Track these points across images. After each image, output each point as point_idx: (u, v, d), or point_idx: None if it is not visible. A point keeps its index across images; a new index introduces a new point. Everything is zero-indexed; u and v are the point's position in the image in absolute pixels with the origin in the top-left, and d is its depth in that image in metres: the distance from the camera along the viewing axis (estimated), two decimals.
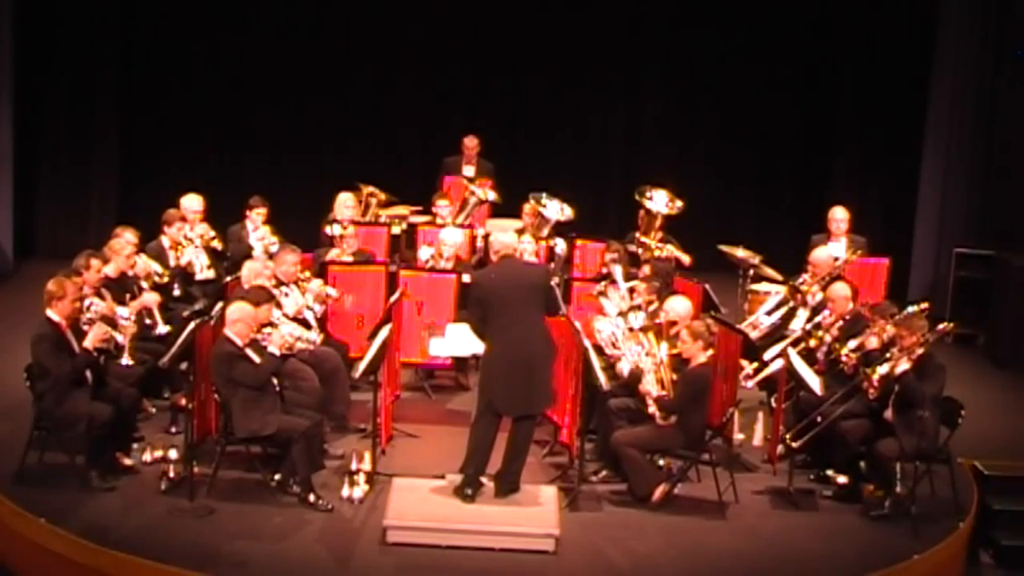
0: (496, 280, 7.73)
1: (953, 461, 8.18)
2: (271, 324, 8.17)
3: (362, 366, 8.03)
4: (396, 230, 11.32)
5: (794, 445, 8.04)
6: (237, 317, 7.79)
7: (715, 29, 13.94)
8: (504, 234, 8.16)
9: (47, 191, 13.72)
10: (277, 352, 7.87)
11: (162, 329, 8.96)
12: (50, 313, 7.77)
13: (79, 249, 8.95)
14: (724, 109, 14.14)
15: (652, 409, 7.97)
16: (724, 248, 10.83)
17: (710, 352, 7.99)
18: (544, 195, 10.99)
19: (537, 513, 7.52)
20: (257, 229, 10.41)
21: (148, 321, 8.91)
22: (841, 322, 8.68)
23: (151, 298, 9.04)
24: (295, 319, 8.76)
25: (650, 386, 7.99)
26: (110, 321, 8.21)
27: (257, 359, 7.78)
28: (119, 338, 8.20)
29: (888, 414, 7.91)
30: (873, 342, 8.18)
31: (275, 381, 7.90)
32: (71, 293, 7.82)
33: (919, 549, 7.46)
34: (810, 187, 13.71)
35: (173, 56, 13.66)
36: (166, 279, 9.54)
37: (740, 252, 10.70)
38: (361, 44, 13.88)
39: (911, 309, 8.15)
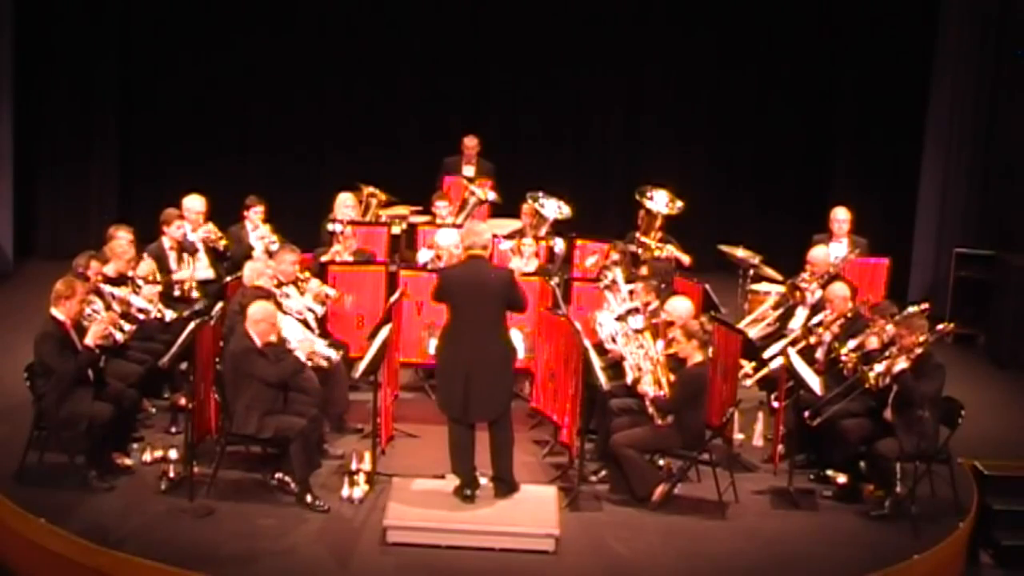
0: (456, 280, 7.70)
1: (953, 461, 8.18)
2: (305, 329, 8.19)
3: (362, 366, 8.03)
4: (396, 230, 11.31)
5: (813, 423, 7.99)
6: (261, 317, 7.81)
7: (715, 29, 13.92)
8: (476, 231, 7.85)
9: (47, 191, 13.70)
10: (303, 357, 7.89)
11: (169, 314, 8.99)
12: (55, 312, 7.77)
13: (79, 249, 8.96)
14: (724, 109, 14.12)
15: (651, 410, 7.97)
16: (724, 248, 10.85)
17: (708, 351, 7.98)
18: (541, 194, 10.99)
19: (537, 513, 7.51)
20: (257, 228, 10.40)
21: (156, 313, 8.92)
22: (842, 320, 8.68)
23: (150, 290, 9.06)
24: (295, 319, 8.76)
25: (647, 387, 7.98)
26: (115, 323, 8.22)
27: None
28: (118, 336, 8.20)
29: (888, 414, 7.92)
30: (873, 342, 8.19)
31: None
32: (80, 294, 7.84)
33: (919, 549, 7.46)
34: (810, 187, 13.68)
35: (173, 55, 13.65)
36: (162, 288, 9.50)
37: (740, 252, 10.71)
38: (362, 44, 13.85)
39: (911, 309, 8.16)
